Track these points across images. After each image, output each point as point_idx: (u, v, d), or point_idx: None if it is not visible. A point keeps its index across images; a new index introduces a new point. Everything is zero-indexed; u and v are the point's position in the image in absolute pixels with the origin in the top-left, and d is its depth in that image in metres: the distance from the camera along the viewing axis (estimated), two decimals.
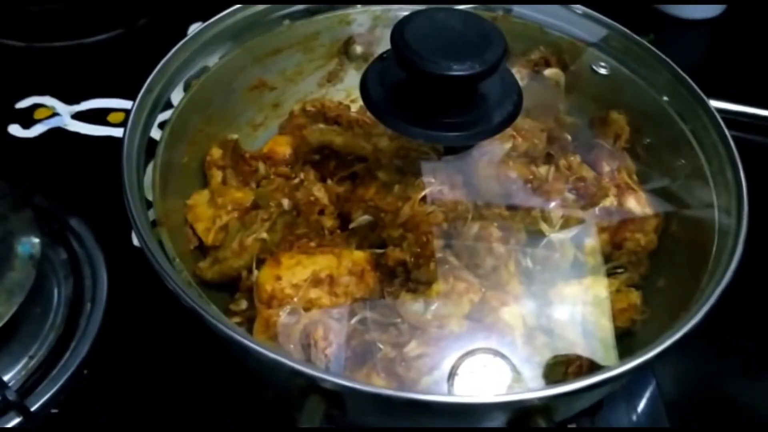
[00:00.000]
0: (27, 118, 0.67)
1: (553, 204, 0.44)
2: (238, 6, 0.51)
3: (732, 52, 0.80)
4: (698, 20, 0.85)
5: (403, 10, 0.52)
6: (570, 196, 0.45)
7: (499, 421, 0.35)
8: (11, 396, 0.44)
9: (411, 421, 0.38)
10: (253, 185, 0.48)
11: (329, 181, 0.46)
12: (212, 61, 0.51)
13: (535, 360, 0.39)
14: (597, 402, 0.45)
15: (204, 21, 0.67)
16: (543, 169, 0.45)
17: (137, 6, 0.77)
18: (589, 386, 0.33)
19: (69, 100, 0.69)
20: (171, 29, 0.74)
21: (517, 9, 0.54)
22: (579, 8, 0.53)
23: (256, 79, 0.53)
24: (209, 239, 0.44)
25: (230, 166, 0.48)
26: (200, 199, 0.46)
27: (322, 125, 0.50)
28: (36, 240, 0.49)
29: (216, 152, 0.49)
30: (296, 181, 0.46)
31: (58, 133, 0.66)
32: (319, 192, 0.45)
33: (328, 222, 0.44)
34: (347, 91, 0.56)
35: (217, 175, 0.48)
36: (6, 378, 0.46)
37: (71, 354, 0.48)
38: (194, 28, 0.74)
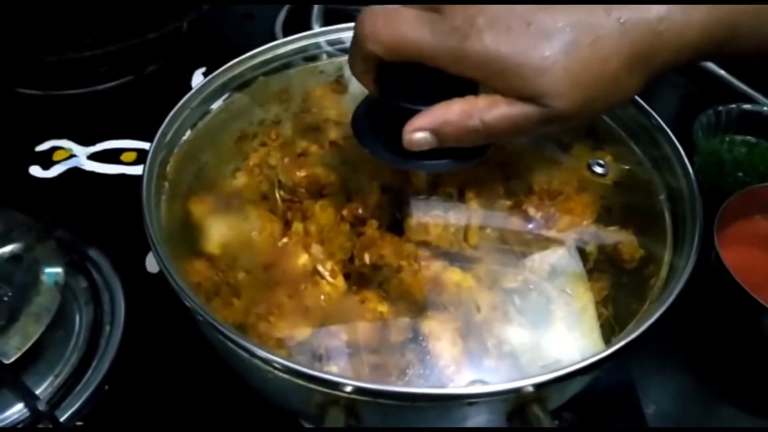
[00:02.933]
0: (46, 160, 0.71)
1: (533, 225, 0.46)
2: (237, 59, 0.54)
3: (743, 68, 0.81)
4: None
5: None
6: (553, 217, 0.46)
7: (499, 413, 0.37)
8: (42, 407, 0.47)
9: (421, 421, 0.40)
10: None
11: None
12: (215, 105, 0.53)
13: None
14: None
15: (204, 67, 0.75)
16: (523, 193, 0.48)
17: (145, 55, 0.81)
18: (577, 371, 0.36)
19: (84, 143, 0.73)
20: (175, 75, 0.80)
21: None
22: None
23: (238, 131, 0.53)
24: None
25: None
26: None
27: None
28: (59, 269, 0.52)
29: None
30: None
31: (76, 172, 0.70)
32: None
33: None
34: None
35: None
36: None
37: (93, 372, 0.51)
38: (197, 76, 0.79)
